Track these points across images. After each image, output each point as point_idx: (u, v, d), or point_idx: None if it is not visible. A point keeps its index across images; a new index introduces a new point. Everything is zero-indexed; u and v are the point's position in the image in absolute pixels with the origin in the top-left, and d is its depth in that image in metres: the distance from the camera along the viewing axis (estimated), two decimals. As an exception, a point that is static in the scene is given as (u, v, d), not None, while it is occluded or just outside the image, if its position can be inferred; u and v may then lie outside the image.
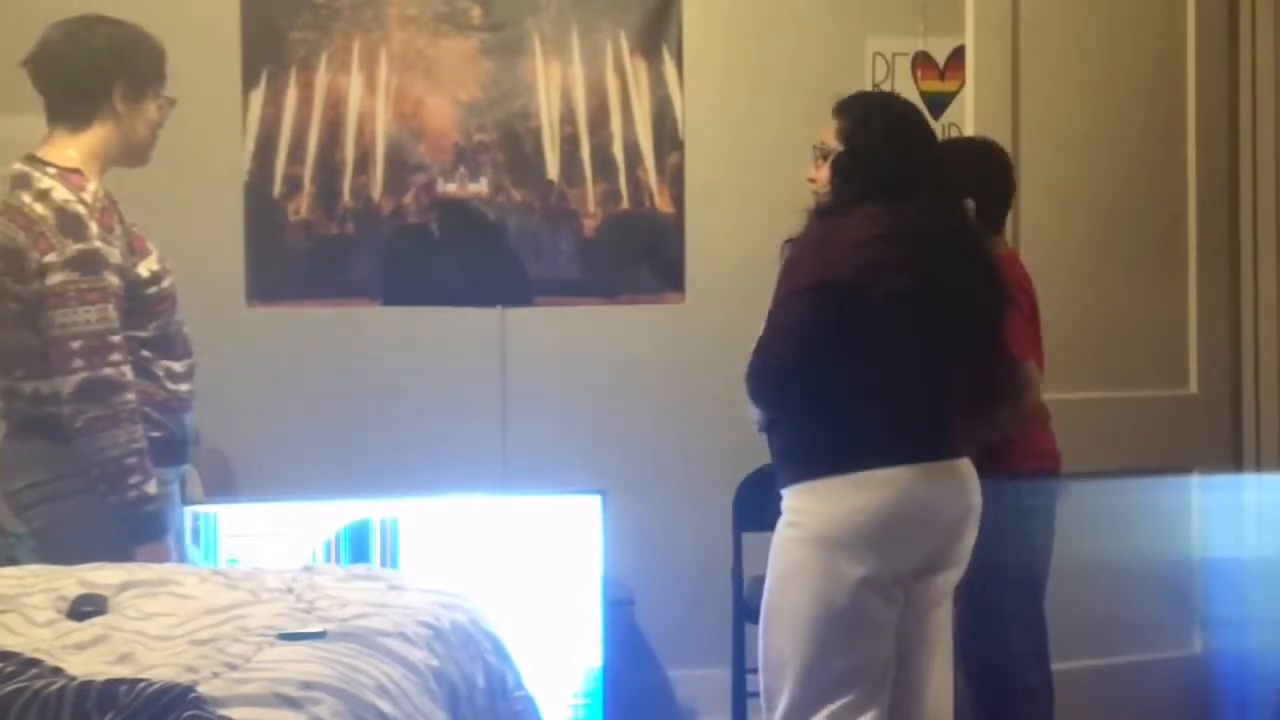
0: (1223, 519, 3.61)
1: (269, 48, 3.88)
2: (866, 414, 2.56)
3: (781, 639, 2.61)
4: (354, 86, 3.91)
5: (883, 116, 2.70)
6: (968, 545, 2.70)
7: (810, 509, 2.58)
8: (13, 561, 2.62)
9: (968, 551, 2.72)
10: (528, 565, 3.41)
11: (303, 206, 3.90)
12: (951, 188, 2.70)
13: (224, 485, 3.76)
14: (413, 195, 3.94)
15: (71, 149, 2.69)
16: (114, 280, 2.62)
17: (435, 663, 1.91)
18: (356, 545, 3.39)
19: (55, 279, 2.55)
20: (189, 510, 3.27)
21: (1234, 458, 3.67)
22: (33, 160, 2.67)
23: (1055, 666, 3.42)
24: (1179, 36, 3.57)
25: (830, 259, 2.54)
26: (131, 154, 2.79)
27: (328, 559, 3.36)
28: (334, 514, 3.37)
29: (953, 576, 2.73)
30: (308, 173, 3.90)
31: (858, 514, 2.52)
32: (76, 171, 2.66)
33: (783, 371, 2.59)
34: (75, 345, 2.55)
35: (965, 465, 2.68)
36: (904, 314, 2.54)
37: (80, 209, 2.60)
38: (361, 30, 3.91)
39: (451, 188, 3.96)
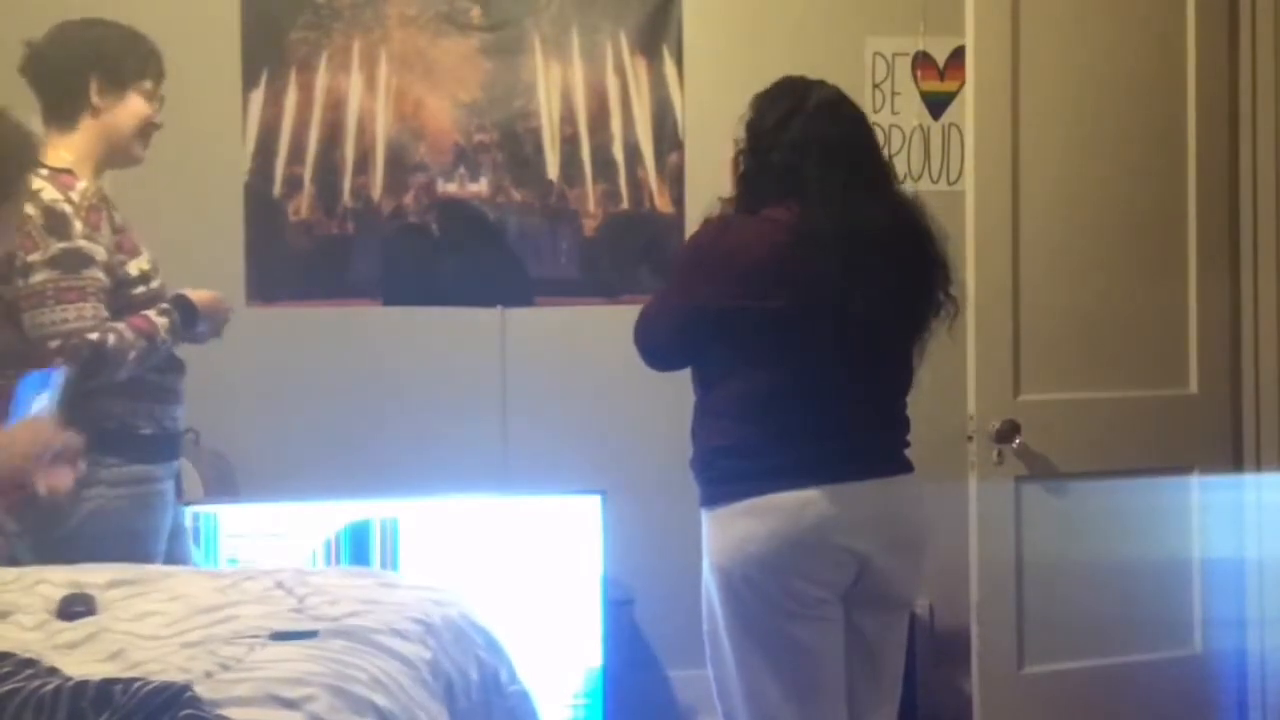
0: (1223, 519, 3.60)
1: (269, 48, 3.88)
2: (758, 435, 2.45)
3: (720, 670, 2.57)
4: (354, 86, 3.91)
5: (786, 109, 2.50)
6: (905, 581, 2.58)
7: (710, 538, 2.52)
8: (14, 561, 2.62)
9: (909, 589, 2.62)
10: (528, 565, 3.41)
11: (303, 206, 3.90)
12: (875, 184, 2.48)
13: (224, 485, 3.76)
14: (413, 195, 3.94)
15: (64, 150, 2.73)
16: (99, 276, 2.64)
17: (429, 655, 1.91)
18: (356, 545, 3.39)
19: (37, 278, 2.58)
20: (189, 510, 3.27)
21: (1234, 458, 3.66)
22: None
23: (1056, 666, 3.43)
24: (1179, 36, 3.57)
25: (719, 270, 2.43)
26: (118, 152, 2.80)
27: (328, 559, 3.36)
28: (334, 514, 3.38)
29: (895, 620, 2.62)
30: (308, 173, 3.90)
31: (748, 543, 2.43)
32: (68, 171, 2.69)
33: (663, 356, 2.58)
34: (53, 345, 2.57)
35: (891, 485, 2.52)
36: (796, 330, 2.40)
37: (66, 208, 2.63)
38: (361, 30, 3.92)
39: (451, 188, 3.96)
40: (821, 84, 2.59)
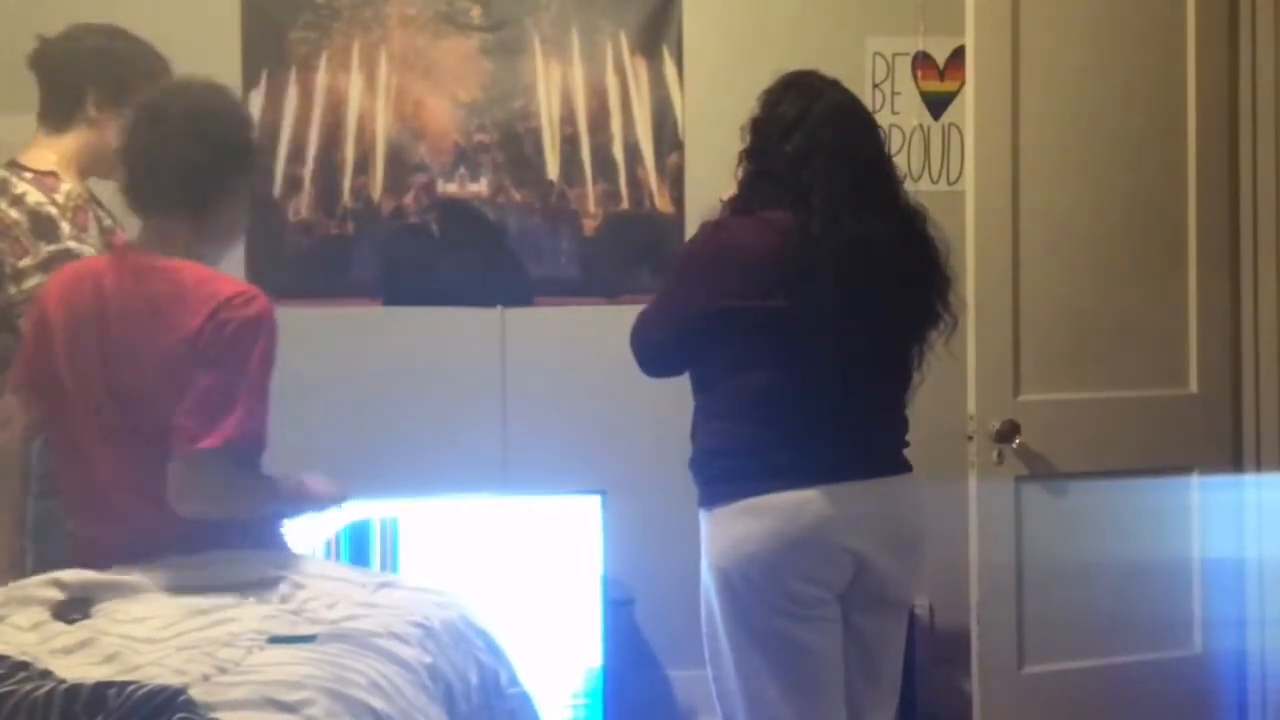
0: (1223, 519, 3.60)
1: (269, 48, 3.88)
2: (756, 435, 2.45)
3: (719, 670, 2.57)
4: (354, 86, 3.91)
5: (795, 114, 2.47)
6: (903, 581, 2.58)
7: (709, 538, 2.52)
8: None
9: (906, 589, 2.62)
10: (528, 565, 3.41)
11: (303, 206, 3.91)
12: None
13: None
14: (413, 195, 3.94)
15: (50, 152, 2.74)
16: None
17: (428, 659, 1.90)
18: (356, 545, 3.39)
19: (30, 282, 2.59)
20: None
21: (1234, 458, 3.66)
22: (13, 166, 2.72)
23: (1056, 666, 3.43)
24: (1179, 36, 3.56)
25: (715, 271, 2.42)
26: (101, 164, 2.79)
27: (328, 560, 3.36)
28: (334, 514, 3.37)
29: (893, 620, 2.62)
30: (308, 173, 3.90)
31: (746, 543, 2.43)
32: (52, 174, 2.70)
33: (659, 360, 2.58)
34: None
35: (889, 485, 2.52)
36: (794, 330, 2.39)
37: (52, 210, 2.64)
38: (361, 30, 3.92)
39: (451, 188, 3.96)
40: (835, 85, 2.56)
